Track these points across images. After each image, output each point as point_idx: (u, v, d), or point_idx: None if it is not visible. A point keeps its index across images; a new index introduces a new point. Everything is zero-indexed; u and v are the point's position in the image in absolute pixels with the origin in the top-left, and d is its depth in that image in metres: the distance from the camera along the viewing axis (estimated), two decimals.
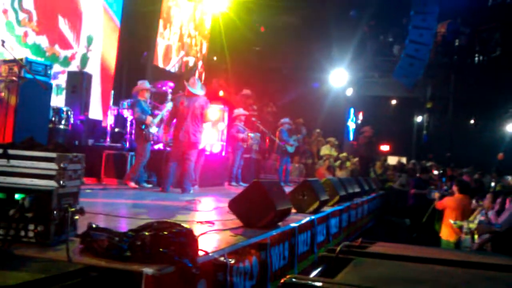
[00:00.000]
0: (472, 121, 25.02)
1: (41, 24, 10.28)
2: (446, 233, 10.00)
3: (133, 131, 9.78)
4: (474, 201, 10.26)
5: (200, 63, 17.72)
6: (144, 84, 9.35)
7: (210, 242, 3.77)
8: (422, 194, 12.95)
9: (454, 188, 10.32)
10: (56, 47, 10.77)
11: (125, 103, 10.20)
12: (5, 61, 7.47)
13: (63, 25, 11.00)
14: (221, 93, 16.99)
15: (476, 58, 23.08)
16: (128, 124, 10.12)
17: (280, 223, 5.07)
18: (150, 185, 9.47)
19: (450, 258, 3.72)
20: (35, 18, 10.10)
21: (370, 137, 15.74)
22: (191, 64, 17.05)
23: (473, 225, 8.77)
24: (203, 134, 9.20)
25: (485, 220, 8.42)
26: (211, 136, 11.31)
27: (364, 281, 2.81)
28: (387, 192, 15.46)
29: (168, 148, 9.84)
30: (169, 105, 9.49)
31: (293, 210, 5.92)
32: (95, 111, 11.56)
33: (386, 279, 2.97)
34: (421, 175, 14.75)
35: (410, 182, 14.58)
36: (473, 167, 17.81)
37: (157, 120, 9.22)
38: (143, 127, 8.95)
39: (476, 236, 8.68)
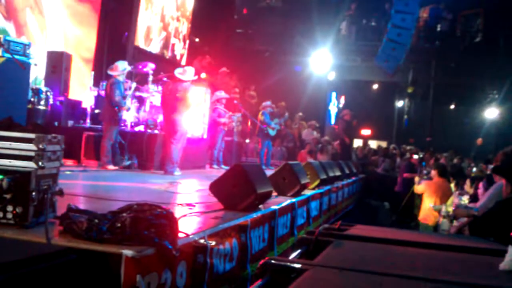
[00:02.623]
0: (452, 106, 25.28)
1: (10, 11, 10.04)
2: (424, 217, 10.13)
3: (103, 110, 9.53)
4: (453, 185, 10.41)
5: (181, 44, 17.57)
6: (123, 65, 9.26)
7: (190, 224, 3.78)
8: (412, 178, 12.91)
9: (433, 172, 10.44)
10: (23, 38, 10.07)
11: (105, 84, 10.08)
12: None
13: (31, 20, 10.73)
14: (203, 75, 16.87)
15: (458, 44, 23.20)
16: None
17: (261, 206, 5.08)
18: (130, 161, 9.41)
19: (427, 241, 3.78)
20: (3, 1, 9.88)
21: (349, 121, 15.78)
22: (176, 49, 16.90)
23: (451, 209, 8.89)
24: (186, 118, 9.22)
25: (462, 204, 8.53)
26: (193, 119, 11.25)
27: (343, 263, 2.85)
28: (369, 176, 15.56)
29: (149, 130, 9.82)
30: (133, 85, 9.56)
31: (274, 193, 5.94)
32: (74, 92, 11.40)
33: (364, 261, 3.01)
34: (412, 159, 14.88)
35: (401, 166, 14.64)
36: (452, 152, 18.02)
37: (128, 102, 9.21)
38: (116, 108, 8.88)
39: (454, 220, 8.81)
